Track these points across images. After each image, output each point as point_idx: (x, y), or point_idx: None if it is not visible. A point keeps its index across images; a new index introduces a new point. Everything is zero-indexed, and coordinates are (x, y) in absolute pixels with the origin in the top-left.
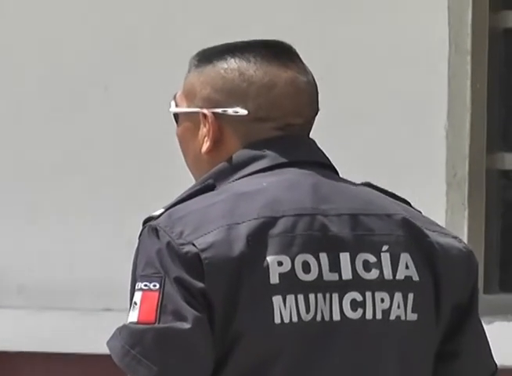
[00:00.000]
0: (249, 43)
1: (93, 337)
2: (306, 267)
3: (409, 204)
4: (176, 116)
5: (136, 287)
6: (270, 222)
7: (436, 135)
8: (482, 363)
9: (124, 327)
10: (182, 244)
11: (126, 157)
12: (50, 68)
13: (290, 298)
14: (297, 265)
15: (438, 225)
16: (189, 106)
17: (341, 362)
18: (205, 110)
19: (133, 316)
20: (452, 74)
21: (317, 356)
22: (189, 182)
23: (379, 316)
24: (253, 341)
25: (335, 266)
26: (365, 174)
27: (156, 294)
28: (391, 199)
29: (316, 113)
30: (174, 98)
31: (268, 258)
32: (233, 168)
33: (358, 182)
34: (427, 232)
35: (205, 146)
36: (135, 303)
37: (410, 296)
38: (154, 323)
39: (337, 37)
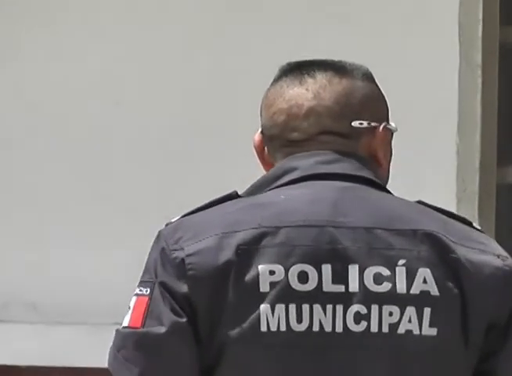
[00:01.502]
0: (296, 64)
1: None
2: (303, 277)
3: (466, 222)
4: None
5: (134, 292)
6: (271, 232)
7: (447, 149)
8: None
9: (117, 331)
10: (174, 250)
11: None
12: None
13: (280, 307)
14: (291, 275)
15: (483, 243)
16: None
17: (337, 374)
18: (262, 130)
19: (125, 321)
20: (463, 88)
21: (308, 368)
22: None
23: (385, 329)
24: (238, 349)
25: (341, 278)
26: None
27: (146, 299)
28: (439, 214)
29: (347, 128)
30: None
31: (260, 267)
32: (267, 181)
33: (411, 200)
34: (459, 248)
35: (262, 162)
36: (129, 308)
37: (427, 311)
38: (140, 327)
39: (350, 56)
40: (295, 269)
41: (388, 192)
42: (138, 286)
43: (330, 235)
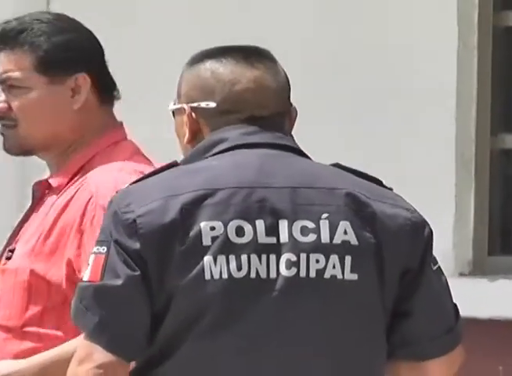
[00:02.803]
0: (226, 48)
1: None
2: (240, 231)
3: (378, 182)
4: (173, 114)
5: (91, 251)
6: (208, 193)
7: (447, 120)
8: (437, 321)
9: (78, 285)
10: (126, 213)
11: None
12: None
13: (221, 257)
14: (230, 229)
15: (394, 199)
16: (179, 102)
17: (271, 317)
18: (184, 105)
19: (85, 276)
20: (461, 67)
21: (248, 308)
22: None
23: (313, 274)
24: (186, 295)
25: (273, 231)
26: (376, 158)
27: (103, 256)
28: (355, 177)
29: (288, 107)
30: (174, 99)
31: (202, 224)
32: (201, 151)
33: (329, 163)
34: (374, 203)
35: (186, 137)
36: (88, 264)
37: (348, 258)
38: (98, 280)
39: (351, 36)
40: (233, 225)
41: (308, 157)
42: (96, 245)
43: (260, 195)
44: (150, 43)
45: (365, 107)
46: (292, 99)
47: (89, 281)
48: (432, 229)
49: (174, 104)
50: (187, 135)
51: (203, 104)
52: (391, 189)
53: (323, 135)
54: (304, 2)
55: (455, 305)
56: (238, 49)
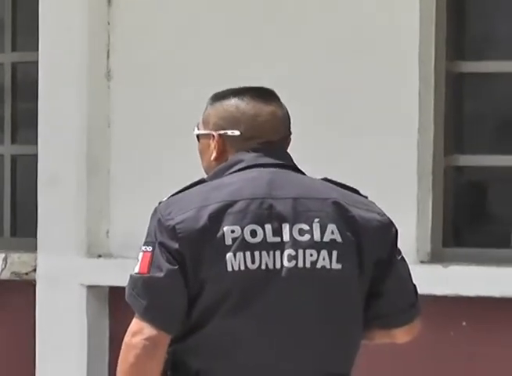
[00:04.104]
0: (244, 88)
1: None
2: (253, 233)
3: (356, 191)
4: (198, 137)
5: (140, 249)
6: (229, 204)
7: (410, 143)
8: (402, 298)
9: (130, 275)
10: (167, 220)
11: None
12: None
13: (240, 254)
14: (246, 232)
15: (368, 205)
16: (205, 129)
17: (278, 298)
18: (213, 132)
19: (136, 269)
20: (421, 102)
21: (259, 295)
22: None
23: (308, 265)
24: (213, 284)
25: (278, 233)
26: (356, 172)
27: (150, 254)
28: (338, 187)
29: (289, 133)
30: (197, 125)
31: (225, 228)
32: (223, 170)
33: (319, 177)
34: (353, 209)
35: (213, 156)
36: (138, 260)
37: (334, 252)
38: (146, 273)
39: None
40: (248, 228)
41: (303, 173)
42: (144, 245)
43: (269, 204)
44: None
45: (344, 129)
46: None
47: (139, 273)
48: (398, 227)
49: (199, 130)
50: (214, 154)
51: (229, 132)
52: (366, 197)
53: (303, 153)
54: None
55: (415, 286)
56: (253, 89)
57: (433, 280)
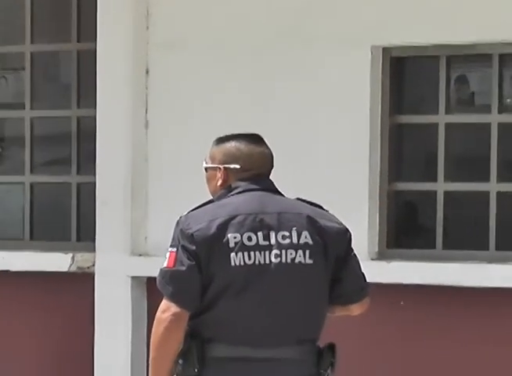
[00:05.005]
0: (240, 134)
1: None
2: (249, 238)
3: (321, 207)
4: (206, 169)
5: (167, 250)
6: (232, 217)
7: (363, 174)
8: (355, 283)
9: (160, 269)
10: (187, 229)
11: None
12: None
13: (240, 253)
14: (244, 237)
15: (330, 217)
16: (213, 163)
17: (268, 284)
18: (220, 166)
19: (164, 264)
20: (371, 144)
21: (253, 285)
22: None
23: (289, 261)
24: (221, 275)
25: (267, 238)
26: (324, 197)
27: (174, 253)
28: (308, 205)
29: (272, 166)
30: (205, 160)
31: (229, 235)
32: (226, 193)
33: (293, 197)
34: (320, 220)
35: (219, 182)
36: (165, 257)
37: (307, 251)
38: (172, 267)
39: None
40: (245, 235)
41: (283, 195)
42: (170, 247)
43: (260, 218)
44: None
45: (311, 164)
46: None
47: (167, 267)
48: (354, 234)
49: (207, 164)
50: (220, 181)
51: (231, 166)
52: (327, 211)
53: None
54: None
55: (364, 274)
56: (247, 135)
57: (379, 272)
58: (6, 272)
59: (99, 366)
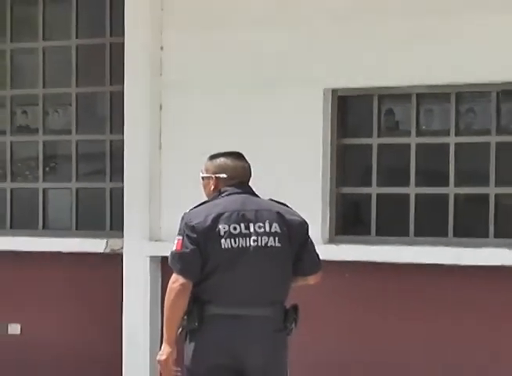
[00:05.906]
0: (227, 152)
1: None
2: (235, 229)
3: (286, 205)
4: (202, 178)
5: (176, 237)
6: (222, 213)
7: (317, 181)
8: (312, 260)
9: (170, 252)
10: (190, 222)
11: None
12: None
13: (228, 239)
14: (231, 228)
15: (293, 213)
16: (207, 173)
17: (248, 262)
18: (212, 175)
19: (173, 248)
20: (323, 161)
21: (238, 262)
22: None
23: (263, 244)
24: (214, 255)
25: (247, 228)
26: (282, 195)
27: (181, 240)
28: (277, 204)
29: (250, 176)
30: (202, 172)
31: (220, 226)
32: (217, 195)
33: (267, 198)
34: (286, 215)
35: (212, 188)
36: (174, 243)
37: (276, 238)
38: (179, 250)
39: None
40: (232, 226)
41: (259, 197)
42: (177, 235)
43: (242, 213)
44: None
45: (279, 176)
46: None
47: (176, 250)
48: (311, 225)
49: (203, 174)
50: (213, 187)
51: (221, 176)
52: (291, 208)
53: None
54: None
55: (318, 254)
56: (232, 153)
57: (330, 252)
58: (59, 252)
59: (126, 322)
